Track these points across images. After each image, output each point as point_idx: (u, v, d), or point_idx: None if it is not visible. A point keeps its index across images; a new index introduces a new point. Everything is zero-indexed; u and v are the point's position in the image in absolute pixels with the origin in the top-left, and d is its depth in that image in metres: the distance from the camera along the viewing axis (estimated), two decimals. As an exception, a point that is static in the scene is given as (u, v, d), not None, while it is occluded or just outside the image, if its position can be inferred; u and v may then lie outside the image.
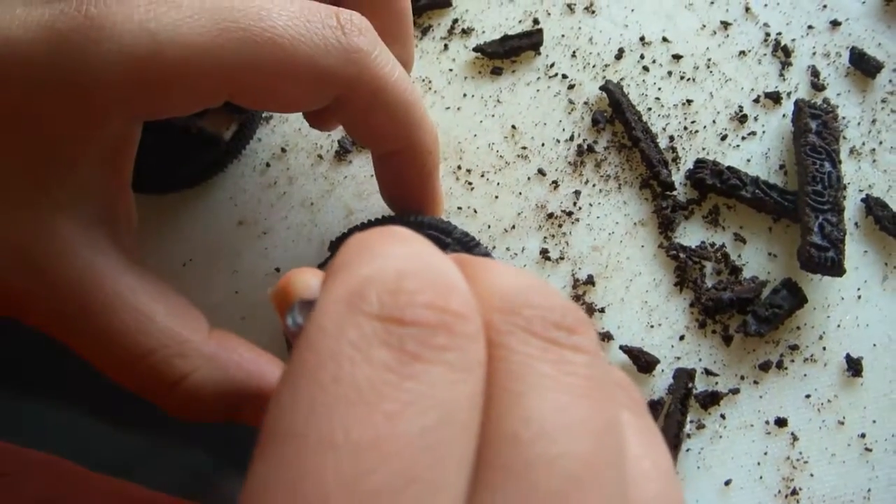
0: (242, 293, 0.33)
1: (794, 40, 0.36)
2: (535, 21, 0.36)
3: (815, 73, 0.35)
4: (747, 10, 0.36)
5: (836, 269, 0.31)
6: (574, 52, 0.35)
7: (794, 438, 0.31)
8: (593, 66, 0.35)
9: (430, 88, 0.35)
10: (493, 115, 0.34)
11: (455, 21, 0.36)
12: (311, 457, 0.14)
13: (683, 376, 0.30)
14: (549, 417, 0.15)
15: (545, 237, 0.33)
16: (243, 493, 0.15)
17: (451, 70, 0.35)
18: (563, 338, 0.17)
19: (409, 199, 0.30)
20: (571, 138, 0.34)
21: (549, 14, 0.36)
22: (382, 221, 0.31)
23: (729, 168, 0.33)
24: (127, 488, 0.43)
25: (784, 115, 0.35)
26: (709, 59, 0.36)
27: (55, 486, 0.41)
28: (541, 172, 0.34)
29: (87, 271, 0.23)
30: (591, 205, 0.33)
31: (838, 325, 0.32)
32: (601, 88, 0.34)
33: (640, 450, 0.17)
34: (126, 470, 0.44)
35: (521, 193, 0.33)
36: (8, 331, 0.55)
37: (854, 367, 0.31)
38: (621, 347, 0.31)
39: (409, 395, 0.15)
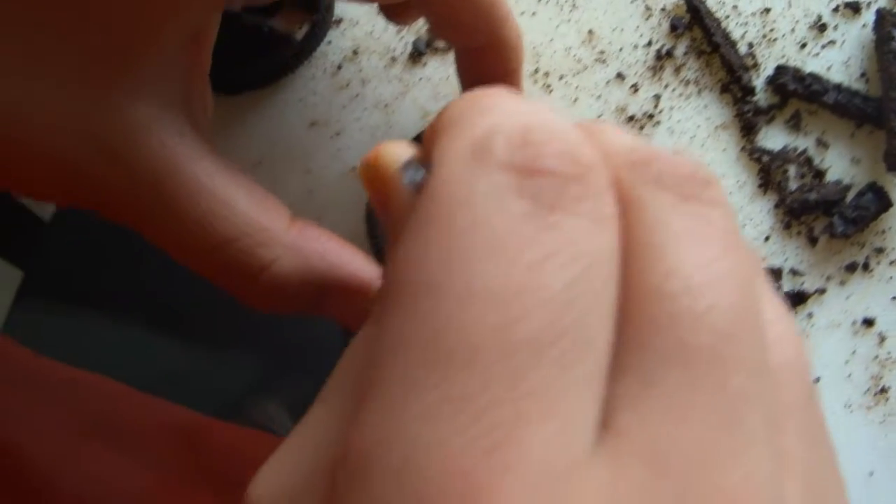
0: (316, 193, 0.33)
1: (872, -49, 0.37)
2: (611, -73, 0.36)
3: (894, -17, 0.36)
4: (824, -79, 0.37)
5: (923, 171, 0.32)
6: (650, -41, 0.36)
7: (882, 339, 0.32)
8: (669, -26, 0.36)
9: (504, -7, 0.35)
10: (568, 21, 0.35)
11: (529, -74, 0.36)
12: (454, 306, 0.14)
13: (770, 275, 0.31)
14: (693, 270, 0.15)
15: (627, 138, 0.33)
16: (374, 355, 0.15)
17: (525, -25, 0.36)
18: (697, 191, 0.16)
19: None
20: (649, 44, 0.35)
21: (624, -79, 0.37)
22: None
23: (810, 74, 0.34)
24: (168, 408, 0.44)
25: (864, 25, 0.36)
26: (786, -30, 0.36)
27: (103, 405, 0.41)
28: (619, 76, 0.34)
29: (165, 155, 0.23)
30: (671, 108, 0.34)
31: (923, 230, 0.33)
32: (679, -5, 0.35)
33: (772, 314, 0.17)
34: (162, 390, 0.44)
35: (600, 96, 0.34)
36: (64, 250, 0.55)
37: (940, 270, 0.32)
38: (707, 246, 0.32)
39: (550, 245, 0.14)
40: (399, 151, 0.20)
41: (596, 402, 0.14)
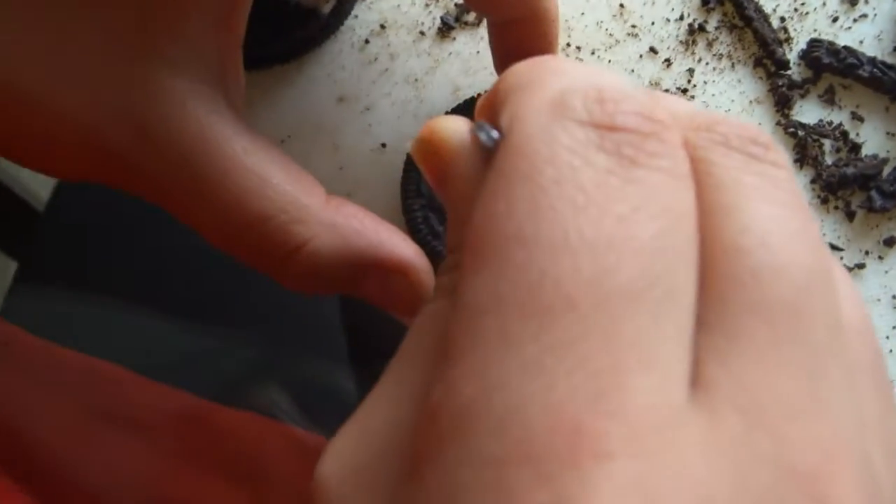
0: (347, 169, 0.33)
1: (901, -75, 0.37)
2: None
3: (924, -43, 0.36)
4: None
5: (959, 145, 0.32)
6: (680, -68, 0.36)
7: (921, 313, 0.32)
8: (699, -52, 0.36)
9: (533, -34, 0.35)
10: (599, -6, 0.35)
11: None
12: (548, 258, 0.14)
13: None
14: (769, 227, 0.15)
15: (662, 113, 0.33)
16: (459, 316, 0.15)
17: (554, -52, 0.35)
18: (761, 153, 0.17)
19: None
20: (681, 18, 0.35)
21: None
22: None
23: (845, 47, 0.34)
24: (171, 393, 0.43)
25: (895, -1, 0.35)
26: (816, -57, 0.36)
27: (108, 390, 0.41)
28: (652, 50, 0.34)
29: (198, 130, 0.23)
30: (705, 83, 0.34)
31: (959, 204, 0.33)
32: (710, -32, 0.35)
33: (837, 274, 0.17)
34: (163, 376, 0.44)
35: (633, 70, 0.34)
36: (59, 239, 0.54)
37: (976, 244, 0.32)
38: (746, 221, 0.32)
39: (636, 198, 0.15)
40: (454, 123, 0.20)
41: (687, 355, 0.15)
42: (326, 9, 0.34)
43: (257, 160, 0.23)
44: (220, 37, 0.24)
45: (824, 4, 0.35)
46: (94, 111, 0.22)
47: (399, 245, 0.25)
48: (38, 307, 0.54)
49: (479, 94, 0.32)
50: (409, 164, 0.30)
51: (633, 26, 0.34)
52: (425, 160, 0.21)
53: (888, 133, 0.34)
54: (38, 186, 0.70)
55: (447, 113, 0.32)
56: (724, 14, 0.35)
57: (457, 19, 0.34)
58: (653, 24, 0.35)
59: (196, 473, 0.40)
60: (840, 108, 0.34)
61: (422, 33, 0.34)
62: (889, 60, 0.35)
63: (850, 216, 0.32)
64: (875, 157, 0.33)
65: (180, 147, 0.22)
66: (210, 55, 0.23)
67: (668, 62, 0.34)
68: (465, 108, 0.31)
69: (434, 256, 0.29)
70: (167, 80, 0.22)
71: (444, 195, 0.20)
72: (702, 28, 0.34)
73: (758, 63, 0.34)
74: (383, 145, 0.33)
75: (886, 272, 0.32)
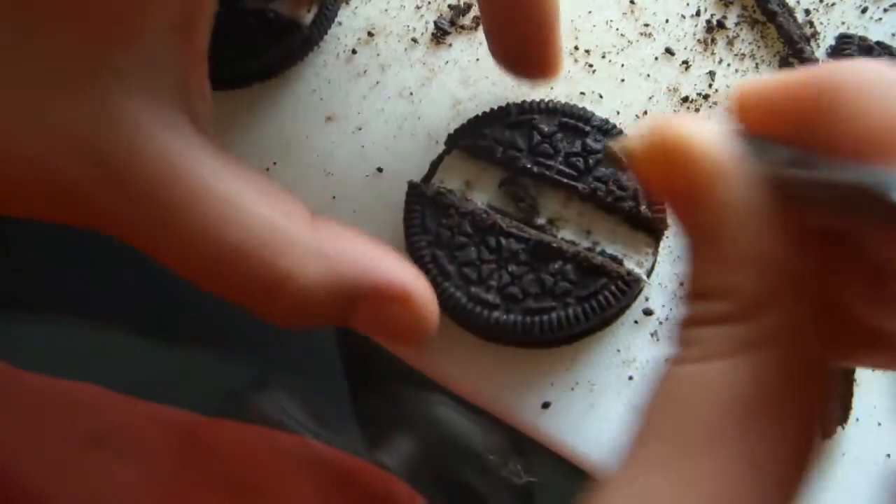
0: (340, 199, 0.30)
1: None
2: None
3: (957, -64, 0.33)
4: None
5: None
6: (693, -84, 0.33)
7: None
8: (714, -66, 0.33)
9: (534, -40, 0.32)
10: (608, -10, 0.32)
11: None
12: None
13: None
14: None
15: (682, 123, 0.30)
16: None
17: (556, -61, 0.32)
18: None
19: (526, 52, 0.27)
20: (698, 13, 0.32)
21: None
22: (506, 110, 0.28)
23: (878, 43, 0.31)
24: (166, 412, 0.41)
25: (928, -16, 0.33)
26: (840, -76, 0.33)
27: (101, 418, 0.39)
28: (669, 52, 0.31)
29: (163, 156, 0.20)
30: (728, 86, 0.31)
31: None
32: (728, -43, 0.32)
33: None
34: (161, 391, 0.42)
35: (649, 75, 0.31)
36: (32, 250, 0.51)
37: None
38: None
39: None
40: (710, 130, 0.16)
41: None
42: (308, 18, 0.30)
43: (232, 186, 0.20)
44: (179, 49, 0.21)
45: (852, -7, 0.32)
46: (46, 143, 0.19)
47: (395, 269, 0.22)
48: (16, 330, 0.51)
49: (484, 113, 0.28)
50: (412, 196, 0.27)
51: (646, 25, 0.31)
52: (661, 168, 0.17)
53: (926, 135, 0.31)
54: None
55: (451, 135, 0.29)
56: (744, 8, 0.32)
57: (452, 23, 0.31)
58: (667, 21, 0.31)
59: (194, 492, 0.39)
60: (873, 109, 0.31)
61: (414, 40, 0.31)
62: (924, 54, 0.32)
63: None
64: (914, 163, 0.30)
65: (141, 175, 0.20)
66: (169, 70, 0.20)
67: (686, 64, 0.31)
68: (471, 128, 0.28)
69: (446, 299, 0.26)
70: (125, 103, 0.20)
71: (689, 218, 0.17)
72: (721, 24, 0.31)
73: (784, 62, 0.31)
74: (379, 170, 0.30)
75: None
